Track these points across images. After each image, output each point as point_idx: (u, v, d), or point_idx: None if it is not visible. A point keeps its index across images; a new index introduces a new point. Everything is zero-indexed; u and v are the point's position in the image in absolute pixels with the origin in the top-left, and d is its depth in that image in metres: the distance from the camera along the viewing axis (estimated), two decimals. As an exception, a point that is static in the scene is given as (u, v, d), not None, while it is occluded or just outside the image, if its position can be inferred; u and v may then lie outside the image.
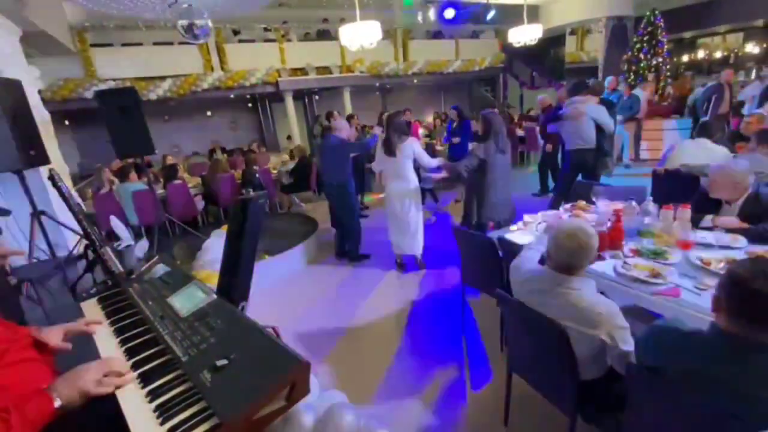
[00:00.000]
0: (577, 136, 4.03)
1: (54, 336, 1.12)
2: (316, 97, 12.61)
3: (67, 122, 9.55)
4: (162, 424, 0.82)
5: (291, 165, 6.82)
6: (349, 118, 6.33)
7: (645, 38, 7.74)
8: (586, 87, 4.36)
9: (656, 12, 7.62)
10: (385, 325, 2.93)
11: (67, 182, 3.80)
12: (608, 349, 1.36)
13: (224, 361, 0.92)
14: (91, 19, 7.51)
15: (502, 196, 3.30)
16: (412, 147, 3.38)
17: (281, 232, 4.67)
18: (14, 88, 2.99)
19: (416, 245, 3.67)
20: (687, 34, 12.11)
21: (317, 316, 3.16)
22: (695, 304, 1.52)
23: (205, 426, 0.80)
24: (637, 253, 1.97)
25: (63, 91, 7.34)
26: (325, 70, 10.25)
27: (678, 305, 1.56)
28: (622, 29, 8.97)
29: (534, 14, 9.18)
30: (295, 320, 3.11)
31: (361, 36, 4.94)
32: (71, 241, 3.71)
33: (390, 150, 3.37)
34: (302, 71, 9.94)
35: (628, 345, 1.32)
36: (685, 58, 13.07)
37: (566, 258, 1.43)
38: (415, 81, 12.46)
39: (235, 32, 9.57)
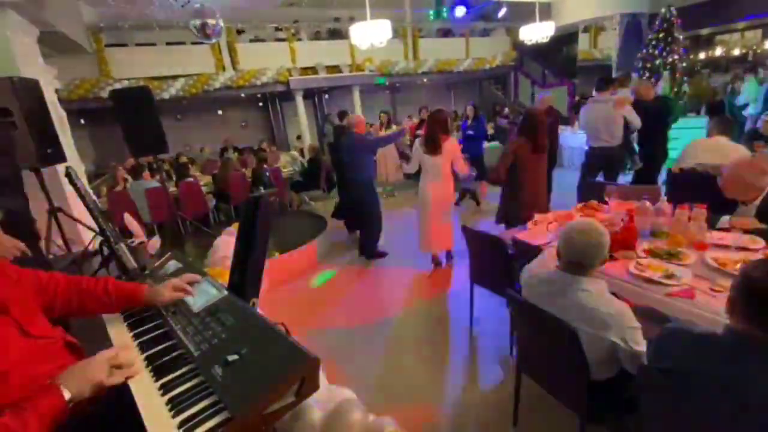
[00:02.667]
0: (606, 132, 3.93)
1: (166, 294, 1.22)
2: (326, 96, 12.64)
3: (82, 121, 9.74)
4: (174, 417, 0.84)
5: (300, 164, 6.87)
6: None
7: (660, 35, 7.57)
8: (612, 82, 4.22)
9: (672, 8, 7.46)
10: (395, 323, 2.94)
11: (83, 180, 3.88)
12: (620, 350, 1.34)
13: (235, 356, 0.93)
14: (107, 20, 7.64)
15: (534, 193, 3.15)
16: (454, 146, 3.39)
17: (291, 229, 4.71)
18: (32, 87, 3.06)
19: (448, 242, 3.66)
20: (704, 31, 11.82)
21: (327, 313, 3.18)
22: (710, 306, 1.49)
23: (216, 420, 0.81)
24: (651, 253, 1.94)
25: (79, 90, 7.49)
26: (335, 69, 10.27)
27: (692, 307, 1.53)
28: (637, 26, 8.80)
29: (546, 12, 9.07)
30: (305, 317, 3.14)
31: (371, 35, 4.94)
32: (86, 238, 3.79)
33: (433, 148, 3.32)
34: (312, 70, 9.97)
35: (640, 346, 1.31)
36: (702, 55, 12.77)
37: (577, 255, 1.42)
38: (425, 80, 12.40)
39: (239, 32, 9.60)
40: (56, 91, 4.36)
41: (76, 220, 3.35)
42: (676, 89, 7.56)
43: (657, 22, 7.63)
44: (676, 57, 7.56)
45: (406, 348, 2.63)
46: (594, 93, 4.07)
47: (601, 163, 4.09)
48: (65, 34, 4.42)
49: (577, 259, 1.42)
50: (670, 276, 1.70)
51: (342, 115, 5.71)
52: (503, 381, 2.21)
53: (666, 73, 7.49)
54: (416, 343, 2.67)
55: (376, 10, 4.94)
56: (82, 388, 0.86)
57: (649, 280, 1.70)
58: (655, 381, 1.18)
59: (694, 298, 1.56)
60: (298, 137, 10.17)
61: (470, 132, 5.84)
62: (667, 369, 1.14)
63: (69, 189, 2.82)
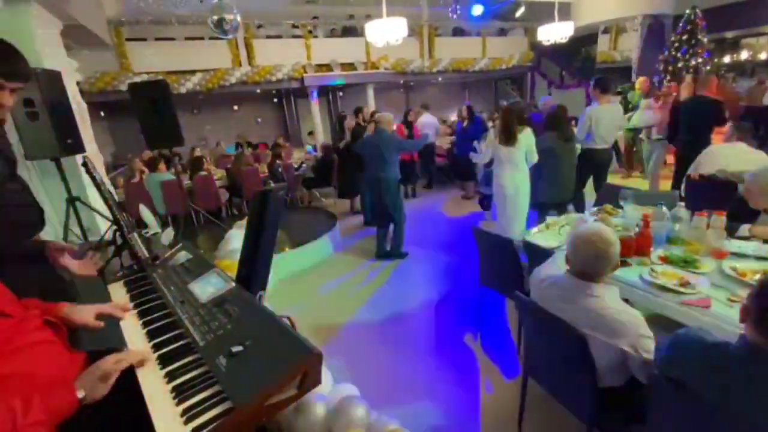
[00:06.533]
0: (608, 135, 4.07)
1: (86, 314, 1.16)
2: (340, 93, 12.68)
3: (102, 113, 9.96)
4: (178, 404, 0.85)
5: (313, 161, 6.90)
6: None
7: (683, 37, 7.38)
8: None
9: (697, 10, 7.25)
10: (402, 322, 2.93)
11: (101, 171, 3.97)
12: (630, 358, 1.31)
13: (239, 348, 0.93)
14: (128, 14, 7.80)
15: (569, 178, 3.74)
16: (531, 138, 3.42)
17: (302, 225, 4.73)
18: (54, 78, 3.13)
19: (521, 230, 3.67)
20: (729, 34, 11.46)
21: (334, 310, 3.19)
22: (726, 316, 1.44)
23: (219, 409, 0.82)
24: (666, 260, 1.89)
25: (99, 83, 7.65)
26: (349, 66, 10.28)
27: (708, 317, 1.49)
28: (660, 27, 8.58)
29: (565, 11, 8.91)
30: (312, 312, 3.16)
31: (387, 32, 4.93)
32: (103, 227, 3.87)
33: (510, 139, 3.38)
34: (327, 67, 10.00)
35: (651, 355, 1.27)
36: (727, 58, 12.39)
37: (583, 264, 1.39)
38: (440, 79, 12.32)
39: (259, 26, 9.69)
40: (77, 83, 4.46)
41: (92, 209, 3.42)
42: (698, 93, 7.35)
43: (681, 24, 7.43)
44: (699, 60, 7.35)
45: (413, 347, 2.62)
46: (598, 94, 4.06)
47: (592, 166, 4.10)
48: (87, 27, 4.51)
49: (585, 267, 1.39)
50: (685, 284, 1.65)
51: (357, 111, 5.69)
52: (509, 384, 2.19)
53: (688, 77, 7.29)
54: (423, 342, 2.66)
55: (392, 8, 4.92)
56: (94, 385, 0.89)
57: (664, 288, 1.66)
58: (666, 390, 1.15)
59: (710, 307, 1.51)
60: (310, 133, 10.20)
61: (463, 134, 5.91)
62: (677, 378, 1.11)
63: (87, 179, 2.89)
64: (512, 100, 3.59)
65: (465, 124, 5.96)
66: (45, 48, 3.48)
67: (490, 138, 3.66)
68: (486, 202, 5.39)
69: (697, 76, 5.07)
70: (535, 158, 3.47)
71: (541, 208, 3.83)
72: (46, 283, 1.48)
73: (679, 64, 7.44)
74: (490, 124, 8.29)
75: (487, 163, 5.49)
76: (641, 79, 6.42)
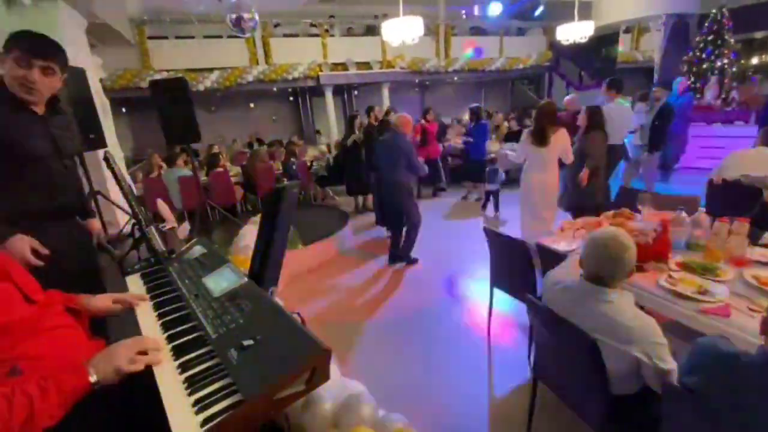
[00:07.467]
0: (621, 132, 4.25)
1: (102, 301, 1.21)
2: (355, 92, 12.71)
3: (123, 110, 10.22)
4: (190, 395, 0.87)
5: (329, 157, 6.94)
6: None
7: (709, 38, 7.16)
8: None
9: (724, 9, 7.02)
10: (413, 321, 2.93)
11: (121, 165, 4.08)
12: (644, 366, 1.28)
13: (250, 342, 0.95)
14: (149, 13, 7.97)
15: (606, 179, 3.78)
16: (566, 138, 3.34)
17: (314, 223, 4.77)
18: (79, 76, 3.23)
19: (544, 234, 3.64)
20: (758, 35, 11.05)
21: (344, 307, 3.21)
22: (746, 327, 1.40)
23: (228, 401, 0.84)
24: (684, 267, 1.84)
25: (121, 80, 7.85)
26: (365, 65, 10.30)
27: (727, 326, 1.44)
28: (684, 27, 8.35)
29: (586, 10, 8.74)
30: (322, 309, 3.18)
31: (403, 31, 4.93)
32: (122, 220, 3.98)
33: (542, 140, 3.31)
34: (343, 66, 10.04)
35: (665, 362, 1.24)
36: (755, 60, 11.95)
37: (597, 269, 1.36)
38: (456, 78, 12.24)
39: (276, 25, 9.78)
40: (100, 80, 4.59)
41: (113, 203, 3.52)
42: (723, 95, 7.13)
43: (707, 24, 7.22)
44: (725, 61, 7.13)
45: (422, 346, 2.62)
46: (612, 94, 4.27)
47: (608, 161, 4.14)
48: (111, 26, 4.64)
49: (599, 272, 1.37)
50: (704, 292, 1.61)
51: (370, 110, 5.70)
52: (519, 387, 2.17)
53: (713, 78, 7.08)
54: (432, 342, 2.66)
55: (409, 7, 4.92)
56: (108, 373, 0.91)
57: (681, 295, 1.62)
58: (681, 400, 1.12)
59: (730, 316, 1.47)
60: (318, 132, 10.17)
61: (468, 137, 5.95)
62: (694, 388, 1.08)
63: (108, 173, 2.97)
64: (544, 101, 3.51)
65: (472, 125, 5.96)
66: (70, 46, 3.59)
67: (523, 138, 3.58)
68: (488, 199, 5.37)
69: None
70: (570, 159, 3.38)
71: (578, 211, 3.55)
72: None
73: (704, 66, 7.23)
74: (504, 124, 8.22)
75: (490, 161, 5.47)
76: (681, 80, 6.31)
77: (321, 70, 9.66)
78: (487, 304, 2.69)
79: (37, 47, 1.43)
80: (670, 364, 1.24)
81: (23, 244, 1.37)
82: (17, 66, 1.39)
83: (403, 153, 3.63)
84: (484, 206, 5.47)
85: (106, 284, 1.81)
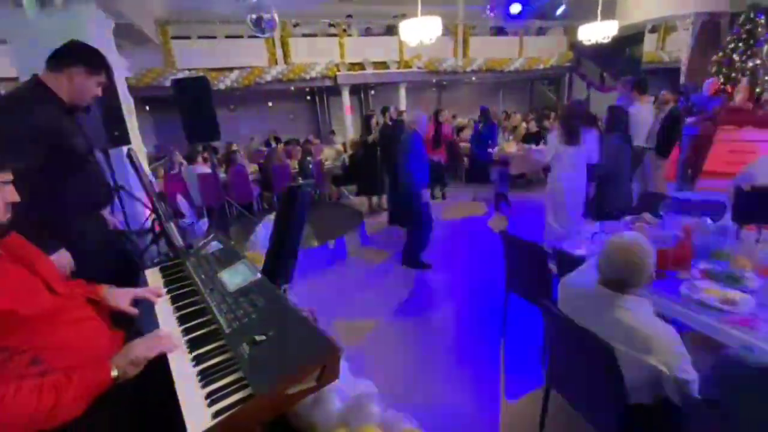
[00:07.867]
0: (643, 133, 4.15)
1: (123, 299, 1.24)
2: (372, 92, 12.73)
3: (147, 108, 10.51)
4: (203, 387, 0.89)
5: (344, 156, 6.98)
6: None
7: (742, 37, 6.87)
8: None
9: (757, 8, 6.73)
10: (424, 323, 2.92)
11: (144, 162, 4.20)
12: (663, 377, 1.24)
13: (262, 337, 0.96)
14: (174, 14, 8.18)
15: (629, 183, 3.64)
16: (596, 138, 3.30)
17: (328, 222, 4.81)
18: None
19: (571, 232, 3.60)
20: (794, 34, 10.56)
21: (356, 306, 3.22)
22: (774, 339, 1.34)
23: (240, 395, 0.85)
24: (708, 275, 1.77)
25: (145, 79, 8.07)
26: (382, 65, 10.30)
27: (753, 338, 1.38)
28: (714, 27, 8.03)
29: (610, 9, 8.50)
30: (334, 307, 3.20)
31: (421, 31, 4.91)
32: (144, 215, 4.10)
33: (572, 139, 3.25)
34: (360, 66, 10.07)
35: (685, 373, 1.20)
36: (790, 61, 11.41)
37: (616, 274, 1.33)
38: (474, 78, 12.12)
39: (295, 25, 9.88)
40: (125, 79, 4.73)
41: (135, 198, 3.63)
42: (756, 98, 6.83)
43: (739, 23, 6.93)
44: (758, 62, 6.83)
45: (433, 348, 2.61)
46: (637, 95, 4.21)
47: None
48: (137, 26, 4.78)
49: (616, 278, 1.33)
50: (728, 301, 1.55)
51: (384, 110, 5.70)
52: (531, 393, 2.13)
53: (744, 80, 6.79)
54: (444, 344, 2.64)
55: (427, 7, 4.89)
56: (128, 368, 0.95)
57: (704, 304, 1.56)
58: (703, 414, 1.08)
59: (756, 328, 1.41)
60: (332, 132, 10.22)
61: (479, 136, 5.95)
62: (718, 402, 1.04)
63: (131, 169, 3.07)
64: (575, 99, 3.54)
65: (480, 126, 5.91)
66: (98, 46, 3.72)
67: (552, 137, 3.52)
68: (500, 201, 5.28)
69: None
70: (594, 159, 3.30)
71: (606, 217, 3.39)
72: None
73: (735, 66, 6.95)
74: (523, 125, 8.09)
75: (500, 162, 5.38)
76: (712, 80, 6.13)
77: (338, 70, 9.71)
78: (500, 308, 2.66)
79: (109, 68, 1.63)
80: (691, 375, 1.20)
81: (64, 261, 1.42)
82: (95, 83, 1.56)
83: (408, 152, 3.61)
84: (495, 208, 5.40)
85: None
